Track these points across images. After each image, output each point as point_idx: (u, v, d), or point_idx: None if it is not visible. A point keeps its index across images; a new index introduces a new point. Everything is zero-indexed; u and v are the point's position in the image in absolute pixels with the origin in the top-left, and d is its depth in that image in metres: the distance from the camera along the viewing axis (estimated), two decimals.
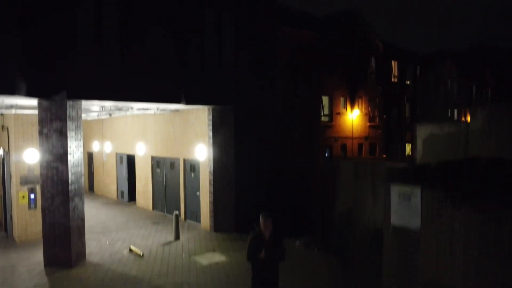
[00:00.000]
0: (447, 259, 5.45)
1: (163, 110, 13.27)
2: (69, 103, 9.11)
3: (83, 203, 9.79)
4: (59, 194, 9.16)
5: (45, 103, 9.03)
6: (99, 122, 19.26)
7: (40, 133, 9.12)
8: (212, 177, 12.16)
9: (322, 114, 20.24)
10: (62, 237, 9.18)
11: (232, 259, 9.89)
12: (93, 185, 20.51)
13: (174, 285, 8.25)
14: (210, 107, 12.13)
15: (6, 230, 12.23)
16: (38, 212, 11.09)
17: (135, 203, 16.85)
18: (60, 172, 9.11)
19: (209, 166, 12.29)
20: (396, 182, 6.04)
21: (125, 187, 17.54)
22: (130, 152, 16.91)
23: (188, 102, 11.18)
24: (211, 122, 12.13)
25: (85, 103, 10.18)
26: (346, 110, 21.82)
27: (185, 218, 13.77)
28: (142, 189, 16.22)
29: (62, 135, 9.05)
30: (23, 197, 11.32)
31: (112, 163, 18.40)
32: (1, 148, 12.31)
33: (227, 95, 11.83)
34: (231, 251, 10.51)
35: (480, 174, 5.53)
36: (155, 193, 15.53)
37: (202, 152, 12.53)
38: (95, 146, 19.68)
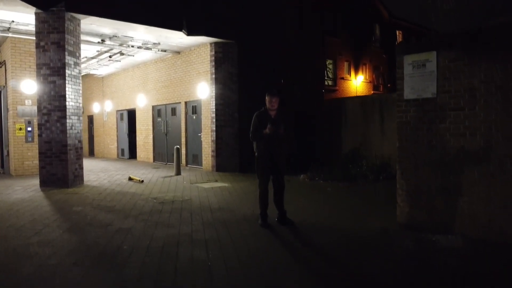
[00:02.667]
0: (466, 121, 5.10)
1: (165, 51, 12.97)
2: (68, 15, 8.82)
3: (80, 124, 9.47)
4: (56, 110, 8.85)
5: (42, 14, 8.73)
6: (99, 81, 18.97)
7: (37, 46, 8.82)
8: (214, 115, 11.83)
9: (326, 76, 19.90)
10: (59, 155, 8.86)
11: (236, 185, 9.55)
12: (93, 148, 20.20)
13: (174, 197, 7.92)
14: (213, 42, 11.80)
15: (2, 166, 11.92)
16: (35, 146, 10.78)
17: (136, 160, 16.54)
18: (58, 86, 8.80)
19: (211, 104, 11.96)
20: (410, 52, 5.70)
21: (125, 145, 17.23)
22: (131, 107, 16.60)
23: (190, 32, 10.87)
24: (213, 58, 11.81)
25: (84, 27, 9.87)
26: (350, 76, 21.46)
27: (187, 163, 13.44)
28: (143, 142, 15.91)
29: (60, 47, 8.74)
30: (20, 129, 11.00)
31: (112, 122, 18.09)
32: None
33: (230, 29, 11.50)
34: (234, 182, 10.16)
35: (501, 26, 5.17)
36: (156, 144, 15.21)
37: (204, 90, 12.21)
38: (95, 108, 19.40)
